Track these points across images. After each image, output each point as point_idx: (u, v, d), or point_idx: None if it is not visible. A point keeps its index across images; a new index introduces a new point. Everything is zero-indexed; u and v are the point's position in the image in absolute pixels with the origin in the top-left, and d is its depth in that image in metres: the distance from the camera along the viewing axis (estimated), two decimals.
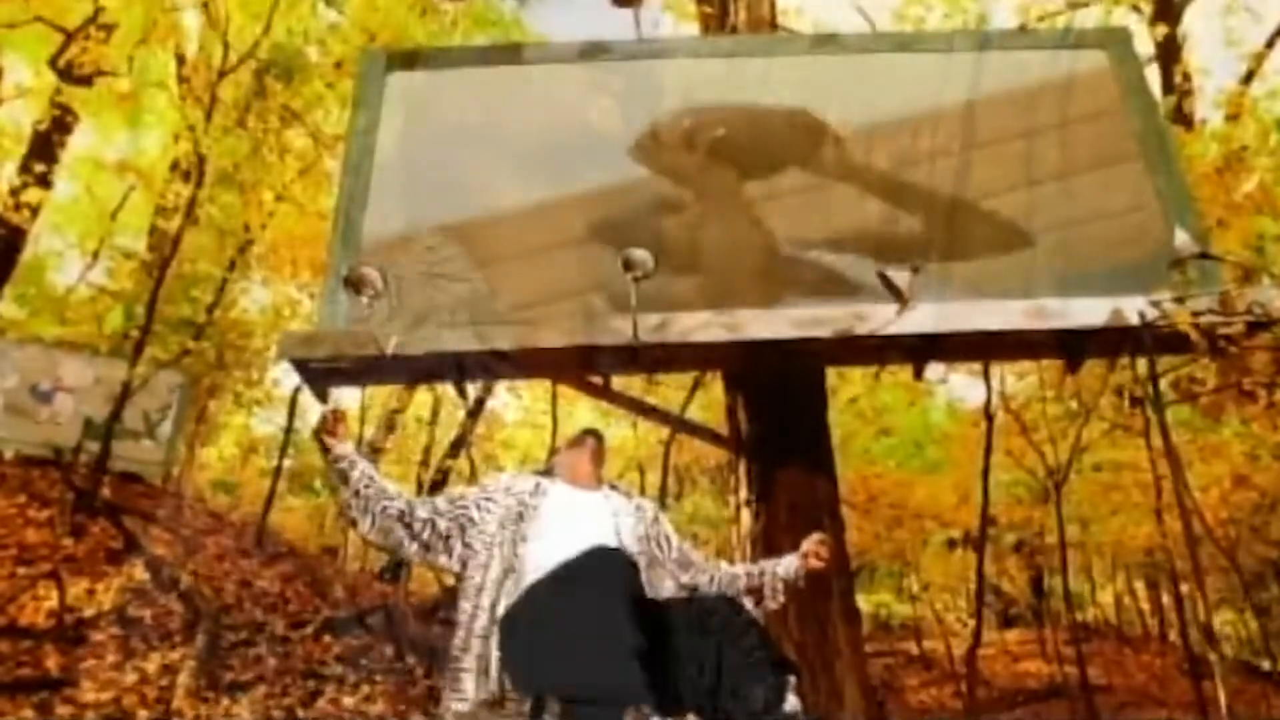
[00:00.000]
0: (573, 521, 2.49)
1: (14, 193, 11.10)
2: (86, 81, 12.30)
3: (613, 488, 2.82)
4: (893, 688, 13.19)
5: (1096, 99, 5.13)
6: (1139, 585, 18.19)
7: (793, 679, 1.95)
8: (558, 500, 2.65)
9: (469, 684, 2.41)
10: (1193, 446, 7.99)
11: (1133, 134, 4.96)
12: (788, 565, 2.81)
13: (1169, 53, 8.03)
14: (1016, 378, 9.85)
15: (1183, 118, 6.94)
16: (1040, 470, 9.11)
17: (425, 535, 2.65)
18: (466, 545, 2.64)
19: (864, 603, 18.67)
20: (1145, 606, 18.19)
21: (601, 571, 2.20)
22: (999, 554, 13.75)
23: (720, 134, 4.81)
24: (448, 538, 2.66)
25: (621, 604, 2.08)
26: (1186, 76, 7.17)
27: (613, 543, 2.38)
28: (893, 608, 19.09)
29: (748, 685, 1.88)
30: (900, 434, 15.41)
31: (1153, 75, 8.87)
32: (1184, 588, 14.05)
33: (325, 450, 2.67)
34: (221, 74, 10.24)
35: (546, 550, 2.38)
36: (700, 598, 2.58)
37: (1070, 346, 4.30)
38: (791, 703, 1.91)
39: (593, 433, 2.90)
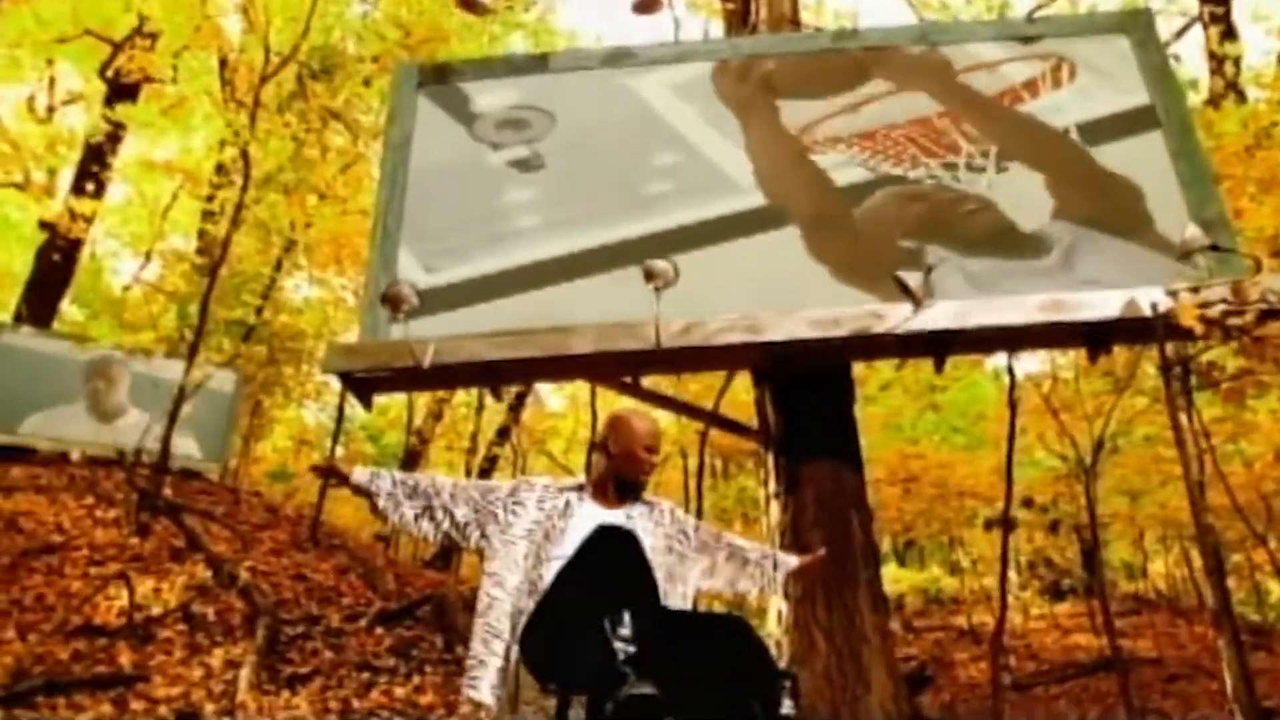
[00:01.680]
0: None
1: (69, 208, 11.50)
2: (134, 89, 12.68)
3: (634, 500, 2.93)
4: (943, 662, 13.20)
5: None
6: (1195, 556, 17.94)
7: (788, 684, 2.12)
8: (583, 521, 2.73)
9: (485, 678, 2.59)
10: (1231, 424, 7.97)
11: (1156, 118, 4.99)
12: (788, 561, 3.08)
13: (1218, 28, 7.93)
14: (1060, 349, 9.83)
15: (1212, 98, 6.91)
16: (1084, 444, 9.12)
17: (445, 525, 2.87)
18: (485, 537, 2.82)
19: (914, 578, 18.77)
20: (1200, 578, 17.96)
21: (605, 551, 2.36)
22: (1043, 528, 13.69)
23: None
24: (465, 525, 2.85)
25: (626, 578, 2.26)
26: (1213, 55, 7.11)
27: (640, 573, 2.50)
28: (943, 583, 19.08)
29: (748, 692, 2.05)
30: (946, 409, 15.39)
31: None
32: (1235, 558, 13.92)
33: (344, 486, 2.93)
34: (263, 79, 10.46)
35: None
36: (709, 613, 2.75)
37: (1089, 336, 4.38)
38: (787, 706, 2.08)
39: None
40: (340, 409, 11.83)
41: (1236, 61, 7.69)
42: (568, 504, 2.81)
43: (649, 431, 2.88)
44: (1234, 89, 7.29)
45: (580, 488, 2.89)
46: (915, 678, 10.49)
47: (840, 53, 5.38)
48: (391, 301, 4.12)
